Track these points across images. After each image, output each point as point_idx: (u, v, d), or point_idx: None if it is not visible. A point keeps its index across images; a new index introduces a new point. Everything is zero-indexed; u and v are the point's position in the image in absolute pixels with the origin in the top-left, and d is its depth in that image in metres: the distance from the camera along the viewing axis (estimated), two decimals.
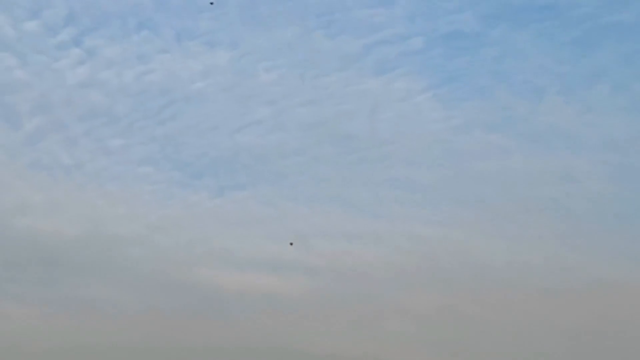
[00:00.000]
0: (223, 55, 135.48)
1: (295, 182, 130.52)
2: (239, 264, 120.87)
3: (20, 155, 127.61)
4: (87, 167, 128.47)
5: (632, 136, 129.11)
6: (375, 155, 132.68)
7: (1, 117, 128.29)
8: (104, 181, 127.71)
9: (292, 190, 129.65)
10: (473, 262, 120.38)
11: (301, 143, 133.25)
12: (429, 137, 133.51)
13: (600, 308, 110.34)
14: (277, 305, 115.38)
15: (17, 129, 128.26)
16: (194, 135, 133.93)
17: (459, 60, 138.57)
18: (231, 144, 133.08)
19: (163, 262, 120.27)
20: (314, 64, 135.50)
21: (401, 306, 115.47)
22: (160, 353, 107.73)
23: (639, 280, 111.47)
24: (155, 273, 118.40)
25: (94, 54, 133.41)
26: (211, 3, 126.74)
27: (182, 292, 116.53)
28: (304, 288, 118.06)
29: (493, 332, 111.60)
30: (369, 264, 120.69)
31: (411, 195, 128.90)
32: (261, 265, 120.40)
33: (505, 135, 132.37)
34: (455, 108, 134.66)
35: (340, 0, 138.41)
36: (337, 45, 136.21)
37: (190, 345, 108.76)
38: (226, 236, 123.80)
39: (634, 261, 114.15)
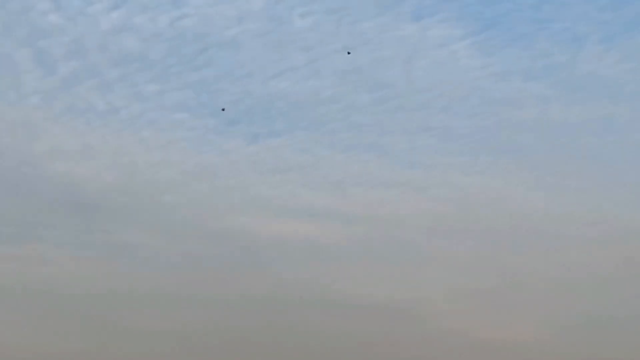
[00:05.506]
0: (258, 0, 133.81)
1: (331, 129, 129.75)
2: (275, 211, 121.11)
3: (55, 100, 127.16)
4: (122, 113, 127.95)
5: None
6: (411, 103, 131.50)
7: (36, 61, 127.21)
8: (139, 127, 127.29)
9: (328, 138, 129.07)
10: (511, 211, 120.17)
11: (337, 90, 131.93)
12: (467, 85, 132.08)
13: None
14: (313, 253, 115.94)
15: (52, 73, 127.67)
16: (228, 82, 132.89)
17: (497, 7, 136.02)
18: (266, 90, 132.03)
19: (198, 209, 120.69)
20: (350, 10, 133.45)
21: (438, 255, 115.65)
22: (195, 300, 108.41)
23: None
24: (191, 220, 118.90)
25: None
26: (348, 53, 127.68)
27: (218, 240, 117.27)
28: (341, 236, 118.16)
29: (530, 282, 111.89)
30: (405, 213, 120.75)
31: (448, 144, 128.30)
32: (297, 213, 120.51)
33: (544, 83, 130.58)
34: (493, 55, 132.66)
35: None
36: None
37: (225, 292, 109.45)
38: (262, 183, 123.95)
39: None
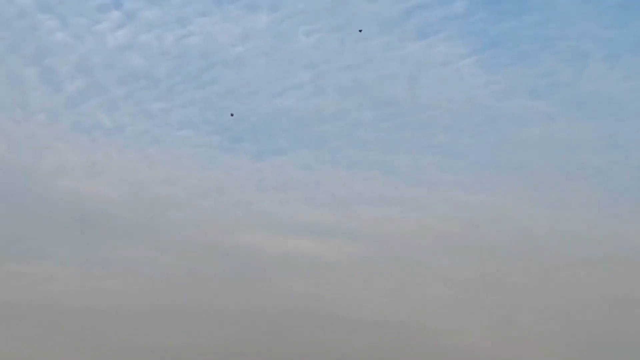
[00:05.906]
0: (263, 18, 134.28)
1: (335, 147, 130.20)
2: (279, 228, 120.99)
3: (61, 118, 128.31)
4: (127, 130, 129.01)
5: None
6: (416, 120, 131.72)
7: (43, 79, 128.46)
8: (145, 144, 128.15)
9: (332, 155, 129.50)
10: (515, 229, 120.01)
11: (341, 108, 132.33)
12: (471, 103, 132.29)
13: None
14: (317, 270, 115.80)
15: (58, 91, 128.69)
16: (233, 99, 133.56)
17: (501, 25, 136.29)
18: (271, 108, 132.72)
19: (203, 226, 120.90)
20: (355, 28, 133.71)
21: (442, 272, 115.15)
22: (200, 315, 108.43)
23: None
24: (196, 237, 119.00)
25: (133, 16, 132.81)
26: (360, 30, 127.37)
27: (223, 256, 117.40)
28: (345, 253, 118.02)
29: (534, 299, 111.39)
30: (409, 230, 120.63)
31: (452, 162, 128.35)
32: (301, 230, 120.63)
33: (548, 101, 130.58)
34: (497, 73, 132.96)
35: None
36: (378, 9, 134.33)
37: (230, 308, 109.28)
38: (266, 200, 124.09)
39: None
